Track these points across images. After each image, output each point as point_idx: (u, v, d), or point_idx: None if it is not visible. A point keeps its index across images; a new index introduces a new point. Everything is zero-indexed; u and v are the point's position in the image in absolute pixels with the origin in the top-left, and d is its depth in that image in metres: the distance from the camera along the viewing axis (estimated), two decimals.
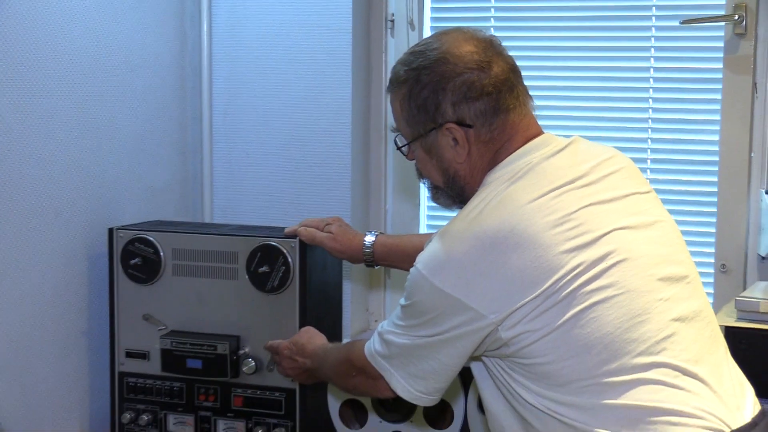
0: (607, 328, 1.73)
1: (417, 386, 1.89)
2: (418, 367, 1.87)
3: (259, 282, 2.65)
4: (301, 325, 2.63)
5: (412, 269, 1.85)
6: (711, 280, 3.05)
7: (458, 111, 1.91)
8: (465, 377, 2.57)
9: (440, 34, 1.98)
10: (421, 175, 2.08)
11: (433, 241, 1.86)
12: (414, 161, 2.06)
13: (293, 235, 2.58)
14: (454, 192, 2.00)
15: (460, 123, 1.91)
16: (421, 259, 1.83)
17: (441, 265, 1.79)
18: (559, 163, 1.89)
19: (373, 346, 1.95)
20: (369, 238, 2.53)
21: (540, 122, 3.23)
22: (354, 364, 2.02)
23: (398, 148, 2.05)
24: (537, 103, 3.16)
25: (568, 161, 1.90)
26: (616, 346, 1.72)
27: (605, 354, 1.72)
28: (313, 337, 2.31)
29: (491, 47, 1.95)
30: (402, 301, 1.88)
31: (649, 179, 3.08)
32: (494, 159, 1.93)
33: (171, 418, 2.76)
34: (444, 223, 3.21)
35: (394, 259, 2.55)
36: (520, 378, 1.79)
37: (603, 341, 1.73)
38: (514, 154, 1.92)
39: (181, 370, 2.70)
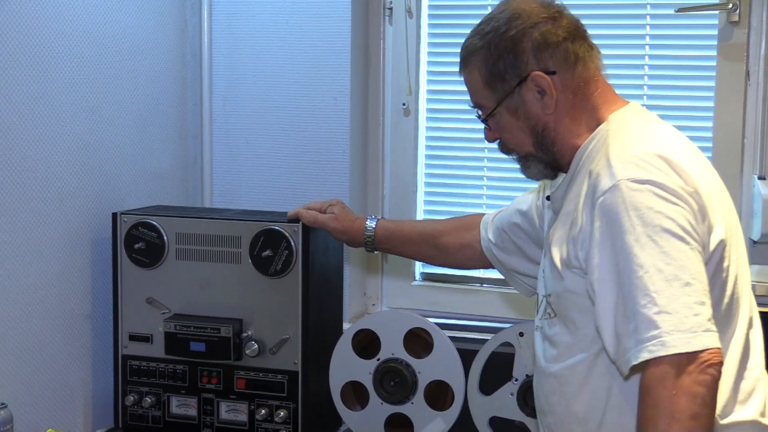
0: None
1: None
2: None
3: (263, 266, 2.64)
4: (304, 308, 2.64)
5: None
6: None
7: (540, 60, 1.95)
8: (466, 359, 2.57)
9: (503, 3, 2.03)
10: (507, 149, 2.09)
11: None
12: (496, 140, 2.09)
13: (295, 219, 2.57)
14: (545, 151, 2.00)
15: (545, 71, 1.95)
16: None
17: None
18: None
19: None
20: (370, 222, 2.53)
21: None
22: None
23: (483, 120, 2.06)
24: None
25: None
26: None
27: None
28: None
29: (554, 4, 2.01)
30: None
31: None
32: (595, 109, 1.98)
33: (174, 401, 2.76)
34: (442, 209, 3.23)
35: (395, 243, 2.55)
36: None
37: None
38: (632, 105, 2.02)
39: (185, 352, 2.69)
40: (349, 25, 3.21)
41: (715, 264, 1.81)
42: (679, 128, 2.96)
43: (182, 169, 3.31)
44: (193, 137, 3.34)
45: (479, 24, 2.03)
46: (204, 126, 3.33)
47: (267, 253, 2.63)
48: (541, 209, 2.26)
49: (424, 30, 3.31)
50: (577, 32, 1.99)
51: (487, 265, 2.50)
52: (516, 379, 2.55)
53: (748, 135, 3.01)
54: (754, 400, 1.86)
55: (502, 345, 2.57)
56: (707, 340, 1.65)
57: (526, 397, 2.54)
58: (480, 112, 2.06)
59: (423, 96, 3.34)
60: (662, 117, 2.99)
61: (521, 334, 2.54)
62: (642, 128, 1.93)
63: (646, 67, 3.11)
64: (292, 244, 2.62)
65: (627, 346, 1.70)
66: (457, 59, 3.24)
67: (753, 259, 2.95)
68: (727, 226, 1.86)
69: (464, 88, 3.21)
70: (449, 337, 2.62)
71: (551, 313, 1.99)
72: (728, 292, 1.84)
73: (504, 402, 2.57)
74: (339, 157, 3.25)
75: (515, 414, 2.56)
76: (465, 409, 2.60)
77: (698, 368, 1.64)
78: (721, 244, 1.82)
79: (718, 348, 1.66)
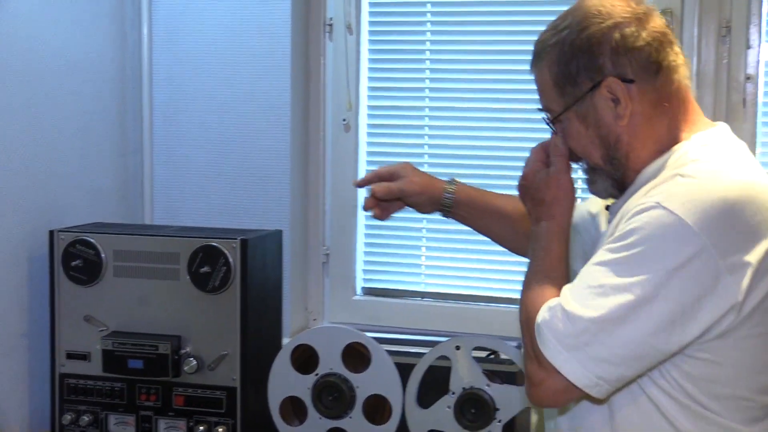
0: None
1: None
2: None
3: (201, 282, 2.64)
4: (243, 324, 2.63)
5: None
6: None
7: (618, 65, 1.74)
8: (404, 372, 2.57)
9: None
10: (575, 159, 1.87)
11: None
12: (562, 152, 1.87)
13: (362, 185, 2.32)
14: (615, 166, 1.79)
15: (622, 78, 1.74)
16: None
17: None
18: None
19: None
20: (449, 184, 2.27)
21: (474, 123, 3.25)
22: None
23: (549, 122, 1.87)
24: (471, 105, 3.20)
25: None
26: None
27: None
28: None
29: (642, 3, 1.79)
30: None
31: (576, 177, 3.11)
32: (673, 125, 1.78)
33: (112, 419, 2.74)
34: (383, 223, 3.22)
35: (475, 209, 2.29)
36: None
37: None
38: (719, 128, 1.80)
39: (123, 370, 2.68)
40: (289, 41, 3.21)
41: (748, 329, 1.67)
42: None
43: (122, 186, 3.28)
44: (133, 154, 3.32)
45: (556, 19, 1.83)
46: (144, 142, 3.32)
47: (205, 269, 2.63)
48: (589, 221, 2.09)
49: (364, 46, 3.32)
50: (664, 38, 1.77)
51: None
52: (453, 392, 2.54)
53: None
54: None
55: (439, 358, 2.56)
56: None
57: (462, 409, 2.54)
58: (547, 116, 1.88)
59: (363, 111, 3.34)
60: None
61: (458, 348, 2.54)
62: (724, 163, 1.70)
63: None
64: (230, 260, 2.62)
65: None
66: (398, 75, 3.28)
67: None
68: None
69: (404, 103, 3.28)
70: (388, 351, 2.61)
71: None
72: None
73: (441, 415, 2.56)
74: (280, 172, 3.24)
75: (452, 427, 2.55)
76: (403, 423, 2.59)
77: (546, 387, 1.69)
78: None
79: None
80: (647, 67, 1.74)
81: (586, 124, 1.79)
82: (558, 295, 1.70)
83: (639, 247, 1.61)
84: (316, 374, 2.62)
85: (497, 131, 3.21)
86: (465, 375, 2.53)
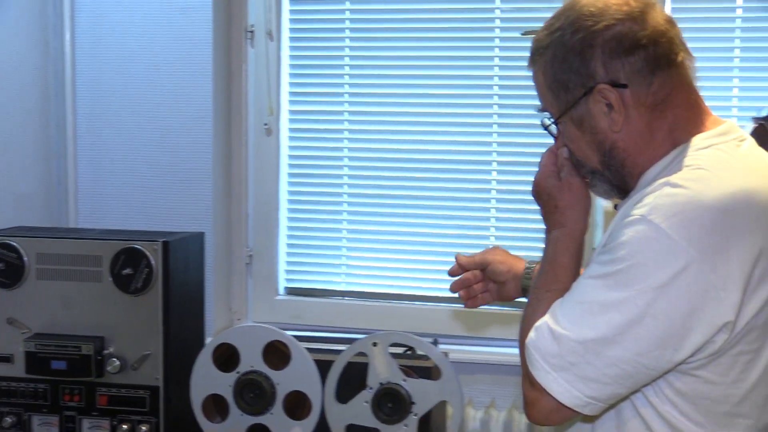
0: None
1: None
2: None
3: (123, 284, 2.65)
4: (165, 324, 2.64)
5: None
6: None
7: (610, 70, 1.64)
8: (323, 369, 2.59)
9: None
10: (576, 161, 1.77)
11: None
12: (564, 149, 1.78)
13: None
14: (613, 172, 1.71)
15: (614, 83, 1.64)
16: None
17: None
18: None
19: None
20: (530, 263, 2.15)
21: (392, 126, 3.29)
22: None
23: (545, 128, 1.79)
24: (391, 109, 3.25)
25: None
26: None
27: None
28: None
29: None
30: None
31: (496, 179, 3.21)
32: (674, 127, 1.67)
33: (35, 420, 2.73)
34: (305, 224, 3.26)
35: None
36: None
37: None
38: (724, 126, 1.69)
39: (46, 371, 2.68)
40: (210, 47, 3.23)
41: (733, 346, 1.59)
42: (526, 145, 3.15)
43: (46, 190, 3.29)
44: (57, 158, 3.33)
45: (551, 17, 1.73)
46: (68, 147, 3.32)
47: (127, 271, 2.65)
48: None
49: (285, 52, 3.35)
50: (662, 36, 1.65)
51: None
52: (370, 388, 2.56)
53: None
54: None
55: (357, 355, 2.58)
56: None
57: (380, 404, 2.55)
58: (543, 121, 1.79)
59: (285, 116, 3.37)
60: (510, 134, 3.16)
61: (375, 344, 2.55)
62: (716, 167, 1.60)
63: (495, 87, 3.20)
64: (152, 262, 2.64)
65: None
66: (318, 80, 3.32)
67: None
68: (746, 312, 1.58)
69: (324, 108, 3.32)
70: (308, 348, 2.62)
71: None
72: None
73: (359, 410, 2.57)
74: (203, 176, 3.26)
75: (370, 421, 2.57)
76: (322, 418, 2.60)
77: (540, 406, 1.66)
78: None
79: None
80: (642, 69, 1.64)
81: (582, 129, 1.70)
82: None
83: (625, 263, 1.53)
84: (238, 372, 2.62)
85: (415, 134, 3.27)
86: (382, 371, 2.55)
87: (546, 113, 1.78)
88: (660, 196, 1.55)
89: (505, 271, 2.15)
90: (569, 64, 1.66)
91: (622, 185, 1.73)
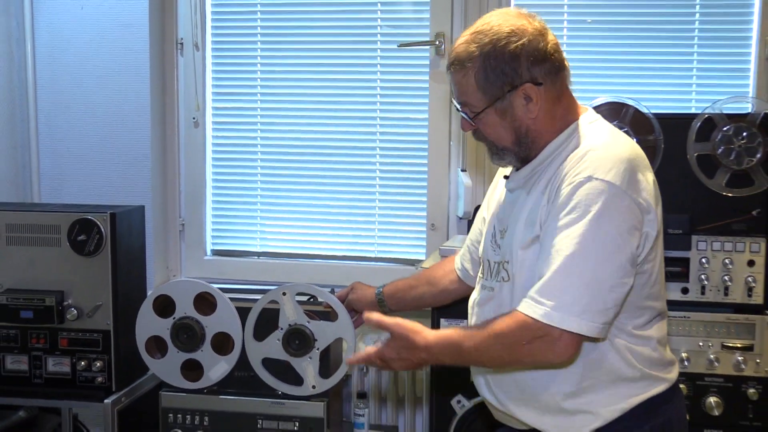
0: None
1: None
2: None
3: (78, 248, 2.64)
4: (113, 280, 2.64)
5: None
6: (424, 235, 3.20)
7: (532, 72, 1.81)
8: (243, 314, 2.58)
9: (494, 15, 1.87)
10: (482, 139, 1.92)
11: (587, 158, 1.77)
12: (470, 130, 1.91)
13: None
14: (522, 148, 1.88)
15: (534, 82, 1.82)
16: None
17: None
18: None
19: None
20: (378, 288, 2.44)
21: (298, 120, 3.29)
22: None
23: (470, 119, 1.88)
24: (295, 105, 3.27)
25: None
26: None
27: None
28: (416, 332, 1.88)
29: (535, 19, 1.87)
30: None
31: (380, 162, 3.24)
32: (566, 112, 1.88)
33: (8, 359, 2.71)
34: (227, 199, 3.24)
35: (400, 294, 2.41)
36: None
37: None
38: (590, 110, 1.92)
39: (16, 319, 2.66)
40: (148, 56, 3.21)
41: (648, 252, 1.82)
42: (404, 134, 3.20)
43: (14, 173, 3.25)
44: (22, 148, 3.28)
45: (475, 32, 1.85)
46: (31, 139, 3.27)
47: (82, 237, 2.63)
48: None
49: (209, 59, 3.34)
50: (557, 46, 1.86)
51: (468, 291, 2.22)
52: (281, 328, 2.57)
53: (453, 139, 3.15)
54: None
55: (270, 302, 2.58)
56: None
57: (289, 341, 2.56)
58: (464, 108, 1.88)
59: (209, 111, 3.35)
60: (391, 126, 3.21)
61: (284, 294, 2.56)
62: (609, 134, 1.86)
63: (378, 89, 3.22)
64: (102, 230, 2.63)
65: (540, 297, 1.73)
66: (235, 82, 3.32)
67: (459, 230, 3.14)
68: (659, 220, 1.84)
69: (240, 105, 3.31)
70: (230, 298, 2.61)
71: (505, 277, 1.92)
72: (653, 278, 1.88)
73: (273, 346, 2.58)
74: (143, 160, 3.24)
75: (282, 355, 2.58)
76: (243, 353, 2.61)
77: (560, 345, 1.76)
78: (651, 237, 1.81)
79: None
80: (551, 71, 1.84)
81: (503, 117, 1.85)
82: (504, 323, 1.75)
83: (591, 213, 1.71)
84: (174, 318, 2.62)
85: (314, 125, 3.28)
86: (290, 315, 2.55)
87: (464, 107, 1.88)
88: (592, 160, 1.76)
89: (365, 304, 2.43)
90: (500, 69, 1.81)
91: (526, 157, 1.89)
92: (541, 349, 1.73)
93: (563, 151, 1.84)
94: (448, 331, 1.87)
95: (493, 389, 1.98)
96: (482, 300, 2.01)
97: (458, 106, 1.90)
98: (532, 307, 1.73)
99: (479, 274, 2.07)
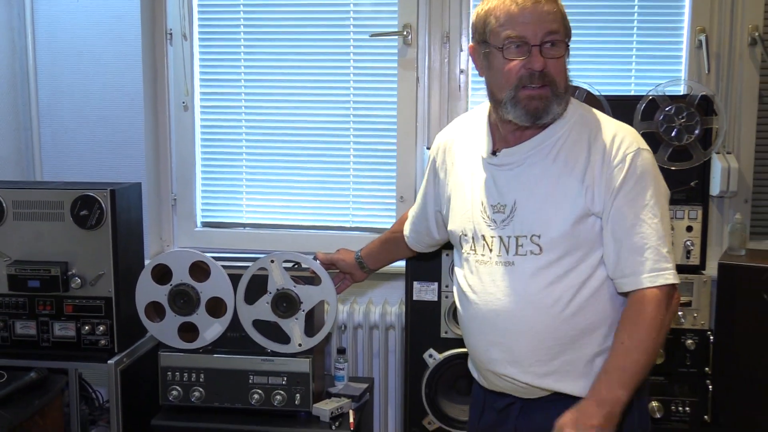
0: None
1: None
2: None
3: (81, 222, 2.50)
4: (114, 251, 2.50)
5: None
6: (394, 206, 3.10)
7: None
8: (234, 280, 2.49)
9: None
10: (549, 79, 1.67)
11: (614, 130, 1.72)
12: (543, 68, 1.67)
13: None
14: (566, 98, 1.71)
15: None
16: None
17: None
18: None
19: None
20: (357, 252, 2.34)
21: (278, 104, 3.15)
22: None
23: (552, 43, 1.66)
24: (277, 90, 3.12)
25: None
26: None
27: None
28: (604, 399, 1.62)
29: None
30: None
31: (353, 141, 3.11)
32: None
33: (18, 324, 2.56)
34: (214, 176, 3.09)
35: (377, 252, 2.31)
36: None
37: None
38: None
39: (24, 288, 2.52)
40: (140, 45, 3.04)
41: None
42: (375, 116, 3.07)
43: (18, 153, 3.06)
44: (25, 130, 3.10)
45: None
46: (33, 121, 3.09)
47: (84, 212, 2.49)
48: (439, 189, 1.98)
49: (196, 48, 3.17)
50: None
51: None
52: (270, 292, 2.50)
53: (419, 120, 3.05)
54: None
55: (259, 269, 2.51)
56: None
57: (277, 304, 2.49)
58: (554, 36, 1.66)
59: (197, 96, 3.19)
60: (363, 108, 3.08)
61: (272, 261, 2.49)
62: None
63: (351, 75, 3.09)
64: (103, 205, 2.49)
65: (635, 270, 1.66)
66: (221, 69, 3.15)
67: None
68: None
69: (226, 90, 3.16)
70: (222, 266, 2.53)
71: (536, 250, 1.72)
72: None
73: (262, 309, 2.51)
74: (137, 141, 3.08)
75: (270, 316, 2.51)
76: (235, 316, 2.54)
77: (677, 299, 1.71)
78: None
79: None
80: None
81: (567, 56, 1.70)
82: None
83: (654, 179, 1.68)
84: (171, 284, 2.53)
85: (294, 108, 3.14)
86: (278, 280, 2.49)
87: (556, 34, 1.67)
88: (626, 133, 1.71)
89: (348, 265, 2.35)
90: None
91: (561, 109, 1.71)
92: (674, 308, 1.70)
93: (579, 124, 1.73)
94: (604, 375, 1.66)
95: (522, 363, 1.74)
96: (503, 275, 1.75)
97: (545, 37, 1.65)
98: (659, 278, 1.66)
99: (469, 250, 1.82)
